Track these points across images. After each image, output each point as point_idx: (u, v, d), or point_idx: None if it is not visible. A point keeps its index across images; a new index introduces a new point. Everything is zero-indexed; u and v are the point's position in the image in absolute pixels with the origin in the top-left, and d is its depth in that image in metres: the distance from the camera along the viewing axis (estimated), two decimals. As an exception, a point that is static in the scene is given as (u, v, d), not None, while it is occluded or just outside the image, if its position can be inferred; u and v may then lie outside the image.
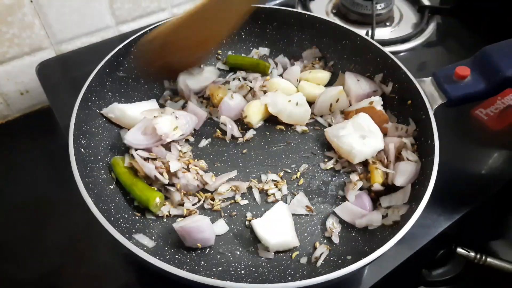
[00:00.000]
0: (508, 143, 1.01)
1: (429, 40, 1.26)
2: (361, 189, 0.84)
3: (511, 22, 1.16)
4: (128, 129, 0.87)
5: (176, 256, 0.73)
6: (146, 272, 0.79)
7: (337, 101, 0.95)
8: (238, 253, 0.76)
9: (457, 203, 0.89)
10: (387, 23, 1.31)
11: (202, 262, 0.73)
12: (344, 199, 0.84)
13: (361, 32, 1.00)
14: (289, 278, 0.71)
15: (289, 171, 0.89)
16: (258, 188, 0.85)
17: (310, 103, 0.98)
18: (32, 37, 1.07)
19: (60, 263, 0.82)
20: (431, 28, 1.29)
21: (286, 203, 0.83)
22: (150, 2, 1.22)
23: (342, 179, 0.87)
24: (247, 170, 0.89)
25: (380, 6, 1.27)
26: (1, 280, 0.81)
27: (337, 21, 1.04)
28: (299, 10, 1.07)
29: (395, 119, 0.93)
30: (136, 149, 0.83)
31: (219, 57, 1.10)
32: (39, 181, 0.97)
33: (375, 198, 0.83)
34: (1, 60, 1.05)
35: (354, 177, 0.85)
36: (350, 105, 0.97)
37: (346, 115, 0.95)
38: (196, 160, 0.88)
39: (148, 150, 0.84)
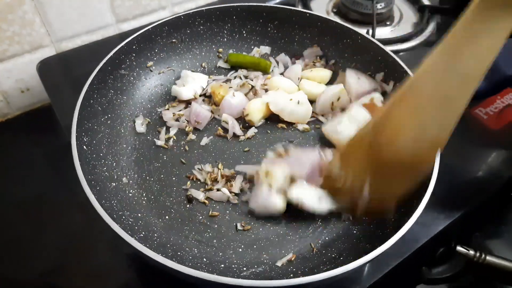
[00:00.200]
0: (507, 142, 1.02)
1: (429, 40, 1.26)
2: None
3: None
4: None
5: (179, 253, 0.73)
6: (147, 270, 0.80)
7: (338, 99, 0.96)
8: (240, 250, 0.76)
9: (456, 202, 0.89)
10: (387, 23, 1.31)
11: (205, 259, 0.74)
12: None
13: (362, 31, 1.00)
14: (291, 275, 0.71)
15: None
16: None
17: (311, 102, 0.98)
18: (33, 35, 1.07)
19: (61, 262, 0.82)
20: (431, 27, 1.30)
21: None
22: (150, 0, 1.22)
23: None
24: (249, 168, 0.89)
25: (381, 5, 1.27)
26: (1, 279, 0.81)
27: (337, 20, 1.03)
28: (300, 8, 1.07)
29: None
30: None
31: (220, 55, 1.10)
32: (39, 180, 0.97)
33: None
34: (1, 57, 1.05)
35: None
36: (351, 102, 0.97)
37: None
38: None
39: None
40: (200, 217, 0.81)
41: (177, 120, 0.97)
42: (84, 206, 0.68)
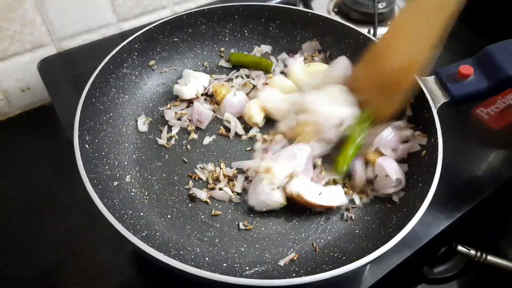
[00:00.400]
0: (508, 142, 1.02)
1: (430, 40, 1.26)
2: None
3: (511, 21, 1.16)
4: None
5: (181, 253, 0.73)
6: (147, 269, 0.80)
7: None
8: (243, 249, 0.76)
9: (458, 202, 0.89)
10: (389, 22, 1.31)
11: (207, 258, 0.73)
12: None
13: (363, 31, 1.00)
14: (293, 275, 0.71)
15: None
16: None
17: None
18: (34, 34, 1.07)
19: (61, 261, 0.82)
20: (431, 27, 1.29)
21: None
22: (151, -1, 1.22)
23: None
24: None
25: (382, 5, 1.27)
26: (1, 278, 0.81)
27: (338, 19, 1.04)
28: (301, 8, 1.06)
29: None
30: None
31: (222, 54, 1.10)
32: (39, 178, 0.97)
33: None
34: (2, 56, 1.05)
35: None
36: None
37: None
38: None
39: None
40: (202, 216, 0.81)
41: (179, 119, 0.96)
42: (84, 204, 0.68)
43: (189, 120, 0.96)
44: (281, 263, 0.73)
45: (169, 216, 0.80)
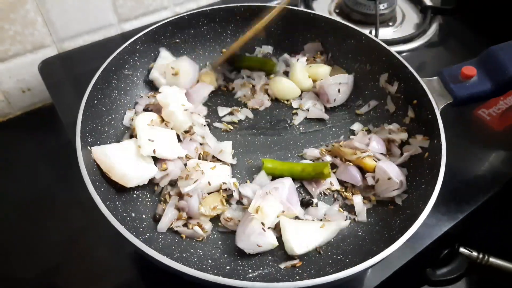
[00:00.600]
0: (510, 144, 1.02)
1: (432, 41, 1.27)
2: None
3: (513, 22, 1.16)
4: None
5: (184, 255, 0.73)
6: (148, 270, 0.79)
7: None
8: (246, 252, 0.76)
9: (460, 203, 0.89)
10: (390, 23, 1.31)
11: (210, 261, 0.73)
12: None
13: (364, 31, 1.00)
14: (297, 278, 0.71)
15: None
16: None
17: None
18: (35, 35, 1.07)
19: (61, 262, 0.82)
20: (433, 28, 1.30)
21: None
22: (152, 0, 1.21)
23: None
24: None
25: (383, 6, 1.27)
26: (1, 278, 0.80)
27: (339, 20, 1.03)
28: (303, 9, 1.06)
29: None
30: None
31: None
32: (40, 179, 0.96)
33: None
34: (3, 57, 1.05)
35: None
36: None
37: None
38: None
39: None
40: (205, 219, 0.80)
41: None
42: (85, 205, 0.68)
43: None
44: (285, 266, 0.73)
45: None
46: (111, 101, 0.90)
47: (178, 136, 0.88)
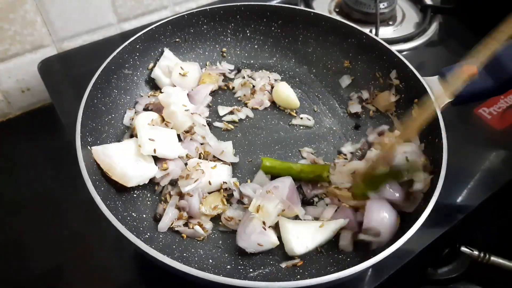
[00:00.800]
0: (511, 142, 1.02)
1: (432, 40, 1.26)
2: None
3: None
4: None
5: (184, 255, 0.73)
6: (149, 270, 0.79)
7: None
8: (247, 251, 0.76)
9: (461, 202, 0.89)
10: (390, 22, 1.31)
11: (211, 261, 0.73)
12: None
13: (365, 31, 1.00)
14: (298, 277, 0.70)
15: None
16: None
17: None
18: (34, 35, 1.06)
19: (61, 262, 0.81)
20: (433, 27, 1.30)
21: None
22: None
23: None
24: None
25: (383, 5, 1.27)
26: (2, 278, 0.80)
27: (340, 19, 1.03)
28: (303, 8, 1.06)
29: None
30: None
31: (224, 54, 1.09)
32: (40, 179, 0.96)
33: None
34: (2, 57, 1.05)
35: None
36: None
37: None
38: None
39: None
40: (205, 218, 0.80)
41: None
42: (85, 205, 0.68)
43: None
44: (286, 265, 0.73)
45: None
46: (111, 101, 0.90)
47: (178, 136, 0.88)
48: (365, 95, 1.00)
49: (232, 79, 1.06)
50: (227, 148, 0.89)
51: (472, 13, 1.31)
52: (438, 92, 0.84)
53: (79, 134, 0.74)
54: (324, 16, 1.03)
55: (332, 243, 0.77)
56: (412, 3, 1.40)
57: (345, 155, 0.92)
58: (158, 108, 0.91)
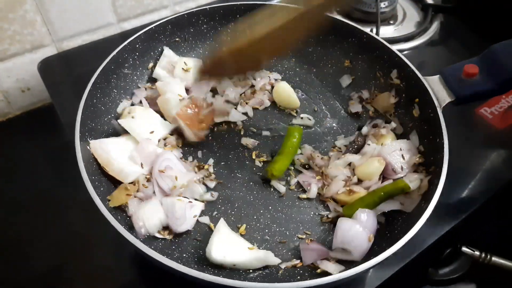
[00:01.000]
0: (513, 142, 1.02)
1: (433, 39, 1.26)
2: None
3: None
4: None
5: (184, 255, 0.72)
6: (148, 270, 0.79)
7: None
8: (246, 252, 0.75)
9: (462, 202, 0.89)
10: (391, 22, 1.31)
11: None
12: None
13: (365, 30, 0.99)
14: (298, 278, 0.70)
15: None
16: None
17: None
18: (34, 34, 1.06)
19: (61, 262, 0.81)
20: (434, 26, 1.29)
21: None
22: (152, -1, 1.21)
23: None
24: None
25: (384, 4, 1.26)
26: (2, 278, 0.80)
27: (340, 19, 1.03)
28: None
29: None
30: None
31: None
32: (39, 179, 0.96)
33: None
34: (2, 57, 1.04)
35: None
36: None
37: None
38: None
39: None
40: (204, 218, 0.80)
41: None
42: (85, 205, 0.67)
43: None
44: (286, 266, 0.72)
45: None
46: (110, 100, 0.89)
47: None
48: (366, 94, 1.00)
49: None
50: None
51: (473, 12, 1.31)
52: (439, 92, 0.84)
53: (78, 134, 0.74)
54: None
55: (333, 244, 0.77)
56: (413, 2, 1.39)
57: (339, 148, 0.92)
58: (153, 101, 0.91)
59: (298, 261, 0.73)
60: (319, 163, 0.87)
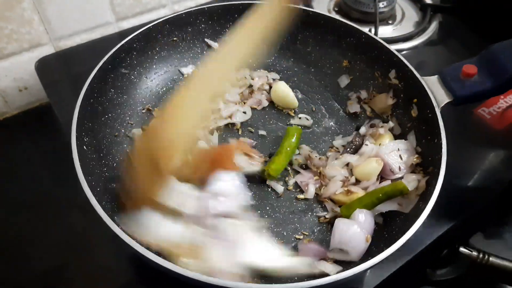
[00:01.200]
0: (511, 142, 1.01)
1: (431, 39, 1.26)
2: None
3: (513, 21, 1.16)
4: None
5: (182, 256, 0.72)
6: (147, 272, 0.78)
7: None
8: (244, 252, 0.75)
9: (460, 203, 0.88)
10: (389, 21, 1.31)
11: (208, 262, 0.72)
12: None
13: (364, 30, 0.99)
14: (296, 278, 0.70)
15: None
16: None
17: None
18: (31, 33, 1.06)
19: (60, 263, 0.81)
20: (433, 26, 1.29)
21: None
22: (151, -2, 1.21)
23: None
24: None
25: (383, 4, 1.26)
26: (3, 278, 0.80)
27: (339, 19, 1.02)
28: (302, 7, 1.05)
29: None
30: None
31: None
32: (37, 179, 0.95)
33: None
34: (-1, 56, 1.04)
35: None
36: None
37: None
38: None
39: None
40: (202, 219, 0.79)
41: None
42: (83, 206, 0.67)
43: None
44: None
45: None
46: (107, 100, 0.89)
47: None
48: (364, 94, 1.00)
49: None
50: None
51: (472, 12, 1.31)
52: (438, 92, 0.84)
53: (75, 134, 0.74)
54: (322, 15, 1.02)
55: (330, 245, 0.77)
56: (412, 2, 1.39)
57: (337, 148, 0.92)
58: None
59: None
60: (317, 163, 0.87)
